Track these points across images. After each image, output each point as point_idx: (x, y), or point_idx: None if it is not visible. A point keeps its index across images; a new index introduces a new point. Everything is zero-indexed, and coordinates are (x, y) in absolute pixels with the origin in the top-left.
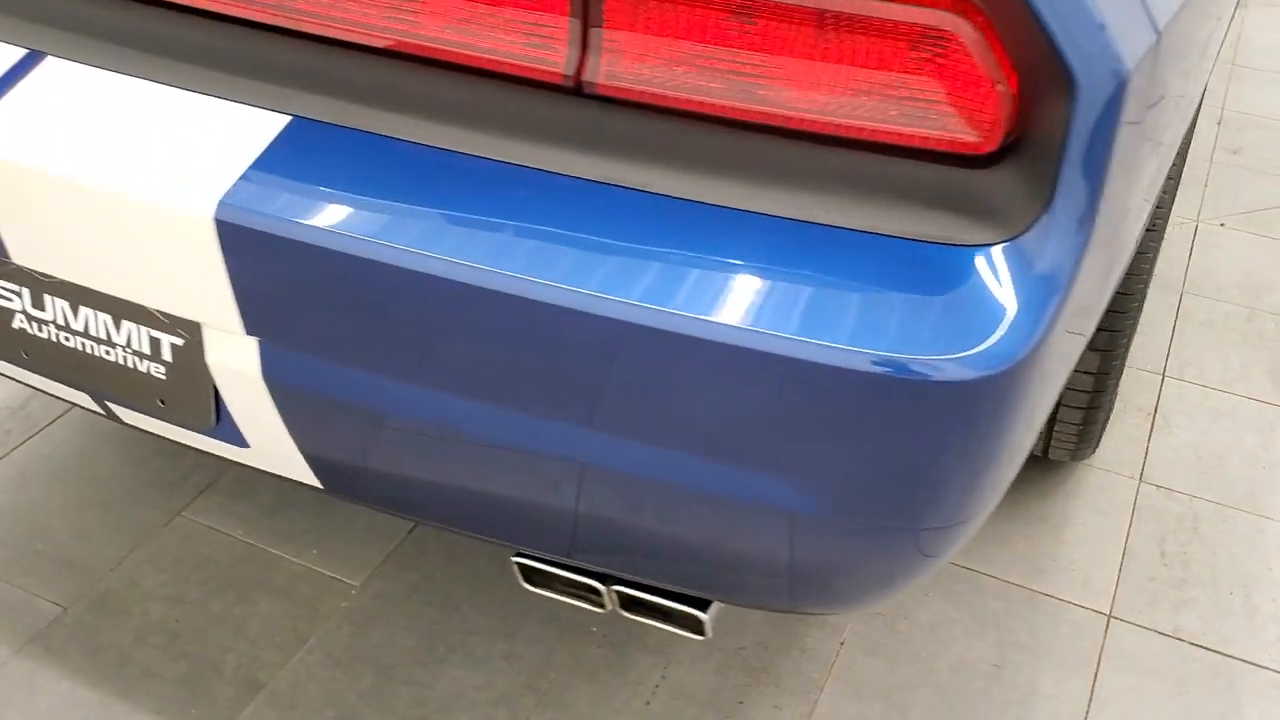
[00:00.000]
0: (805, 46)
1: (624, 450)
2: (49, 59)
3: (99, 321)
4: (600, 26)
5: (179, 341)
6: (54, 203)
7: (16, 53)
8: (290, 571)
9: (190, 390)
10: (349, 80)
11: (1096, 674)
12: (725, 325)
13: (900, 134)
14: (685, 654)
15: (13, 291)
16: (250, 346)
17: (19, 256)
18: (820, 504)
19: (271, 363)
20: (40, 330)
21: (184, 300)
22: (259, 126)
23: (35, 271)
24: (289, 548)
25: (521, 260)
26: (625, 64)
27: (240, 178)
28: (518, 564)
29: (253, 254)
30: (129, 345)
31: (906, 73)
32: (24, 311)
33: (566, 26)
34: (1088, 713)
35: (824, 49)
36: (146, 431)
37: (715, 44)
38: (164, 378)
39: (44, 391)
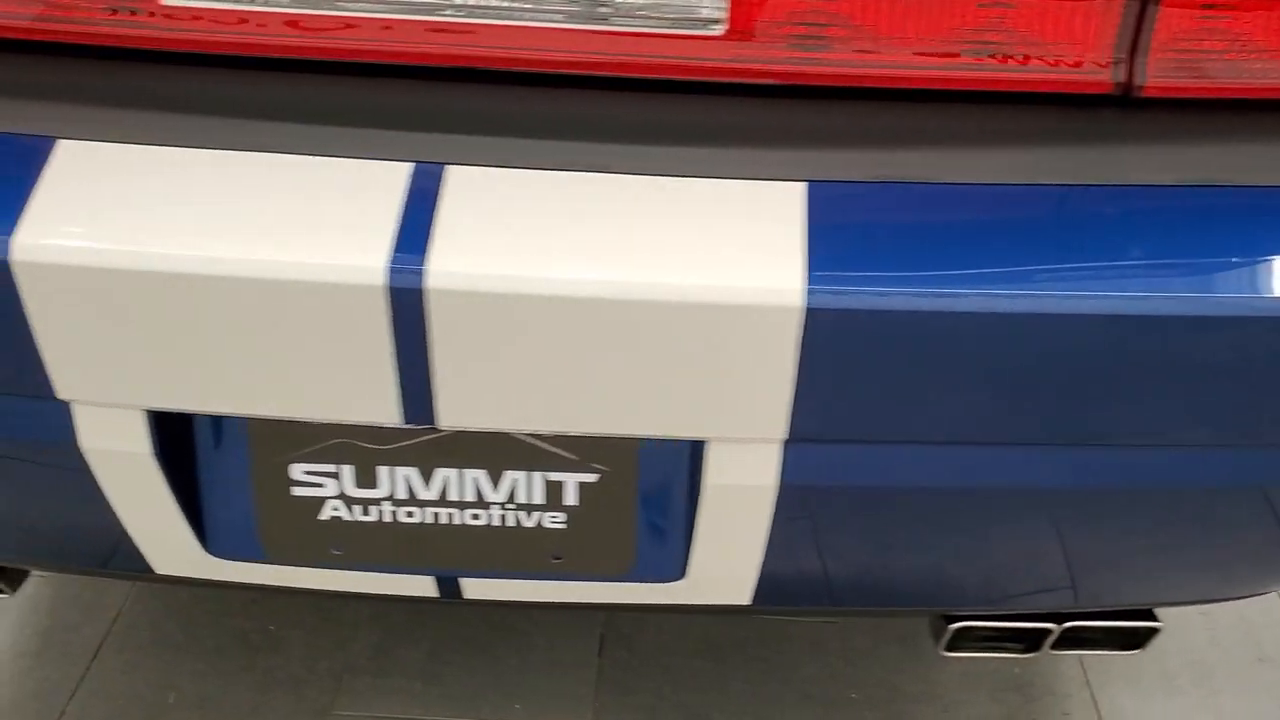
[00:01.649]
0: None
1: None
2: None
3: (464, 482)
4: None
5: (591, 479)
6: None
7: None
8: None
9: (603, 533)
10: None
11: None
12: None
13: None
14: (952, 694)
15: (327, 475)
16: (772, 453)
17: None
18: None
19: (798, 464)
20: (366, 514)
21: (690, 416)
22: (781, 196)
23: (366, 435)
24: (482, 710)
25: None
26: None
27: (808, 254)
28: (956, 629)
29: (835, 340)
30: (511, 501)
31: None
32: (342, 496)
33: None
34: None
35: None
36: (476, 602)
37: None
38: (563, 527)
39: (332, 592)
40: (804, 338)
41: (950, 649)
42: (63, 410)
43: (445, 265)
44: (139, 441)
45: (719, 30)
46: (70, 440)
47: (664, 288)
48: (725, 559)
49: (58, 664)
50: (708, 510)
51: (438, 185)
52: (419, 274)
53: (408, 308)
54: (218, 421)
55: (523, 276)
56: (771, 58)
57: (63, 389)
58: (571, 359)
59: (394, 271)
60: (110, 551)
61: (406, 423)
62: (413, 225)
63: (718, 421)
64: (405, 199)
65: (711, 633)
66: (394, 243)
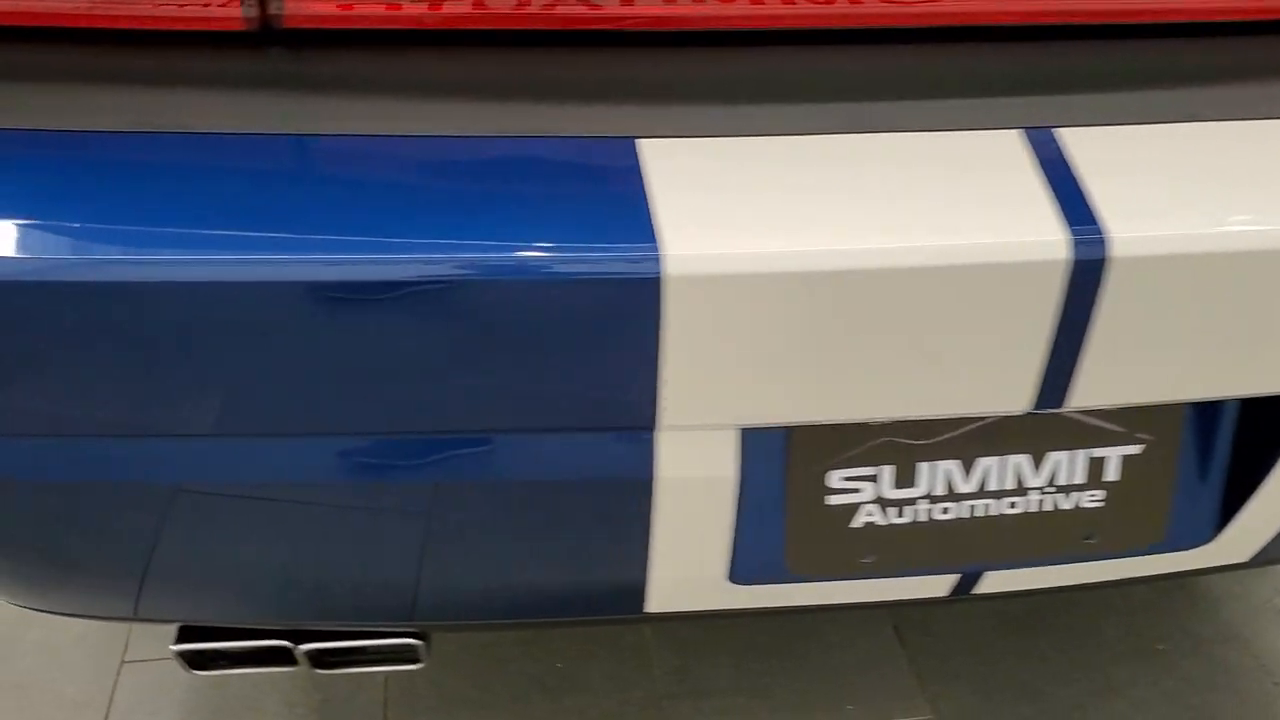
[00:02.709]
0: None
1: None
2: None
3: (1005, 470)
4: None
5: (1135, 451)
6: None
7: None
8: None
9: (1140, 506)
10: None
11: None
12: None
13: None
14: (1246, 630)
15: (865, 479)
16: None
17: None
18: None
19: None
20: (900, 515)
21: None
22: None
23: (909, 431)
24: (816, 715)
25: None
26: None
27: None
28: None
29: None
30: (1050, 484)
31: None
32: (878, 499)
33: None
34: None
35: None
36: (987, 596)
37: None
38: (1100, 505)
39: (838, 606)
40: None
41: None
42: (646, 441)
43: (1123, 231)
44: (726, 465)
45: None
46: (643, 473)
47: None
48: (1266, 518)
49: None
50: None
51: (1061, 151)
52: (1101, 244)
53: (1083, 283)
54: (759, 435)
55: (1203, 234)
56: None
57: (668, 416)
58: (1235, 319)
59: (1077, 244)
60: (596, 595)
61: (1035, 409)
62: (1066, 195)
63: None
64: (1037, 168)
65: (996, 610)
66: (1060, 214)
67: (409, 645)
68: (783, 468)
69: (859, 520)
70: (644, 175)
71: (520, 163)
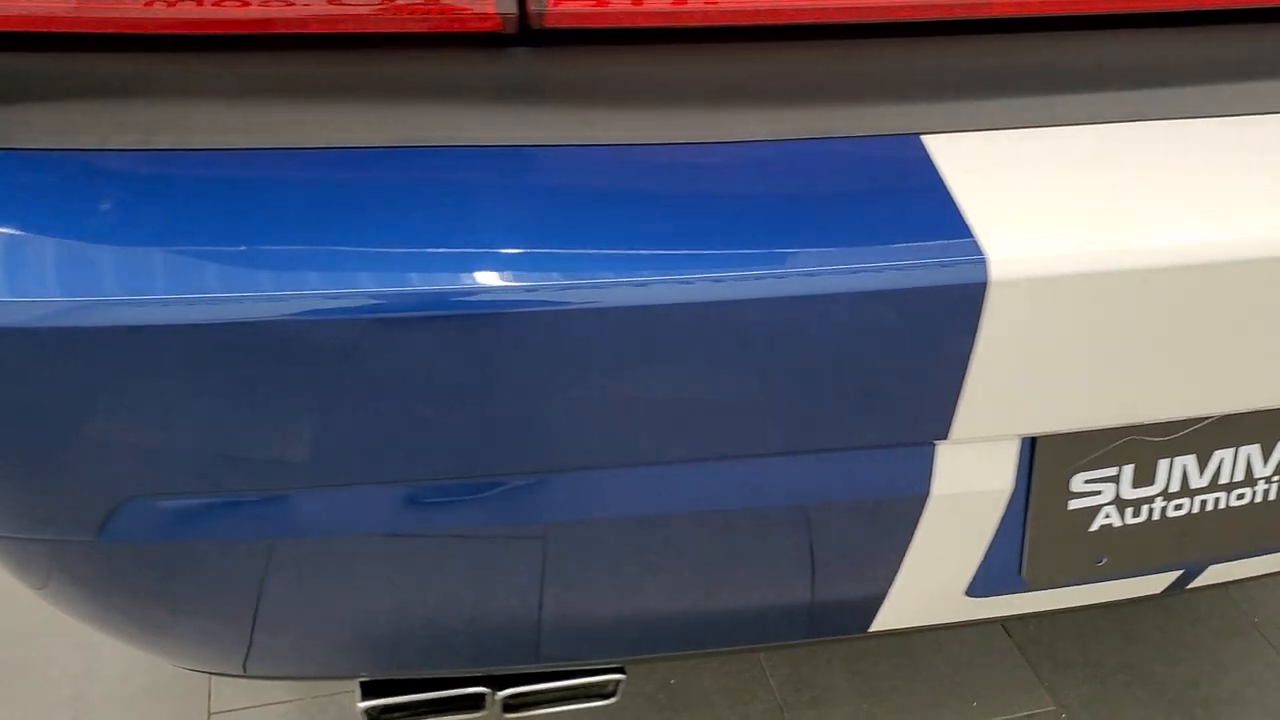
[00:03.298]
0: None
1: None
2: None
3: (1237, 461)
4: None
5: None
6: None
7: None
8: None
9: None
10: None
11: None
12: None
13: None
14: None
15: (1107, 480)
16: None
17: (1139, 413)
18: None
19: None
20: (1135, 515)
21: None
22: None
23: (1153, 428)
24: (945, 715)
25: None
26: None
27: None
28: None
29: None
30: (1278, 473)
31: None
32: (1116, 500)
33: None
34: None
35: None
36: (1200, 589)
37: None
38: None
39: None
40: None
41: None
42: (927, 455)
43: None
44: (1004, 477)
45: None
46: (920, 488)
47: None
48: None
49: None
50: None
51: None
52: None
53: None
54: (1029, 444)
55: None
56: None
57: (959, 429)
58: None
59: None
60: (823, 616)
61: None
62: None
63: None
64: None
65: None
66: None
67: (609, 681)
68: (1029, 475)
69: (1097, 523)
70: (941, 175)
71: (809, 167)
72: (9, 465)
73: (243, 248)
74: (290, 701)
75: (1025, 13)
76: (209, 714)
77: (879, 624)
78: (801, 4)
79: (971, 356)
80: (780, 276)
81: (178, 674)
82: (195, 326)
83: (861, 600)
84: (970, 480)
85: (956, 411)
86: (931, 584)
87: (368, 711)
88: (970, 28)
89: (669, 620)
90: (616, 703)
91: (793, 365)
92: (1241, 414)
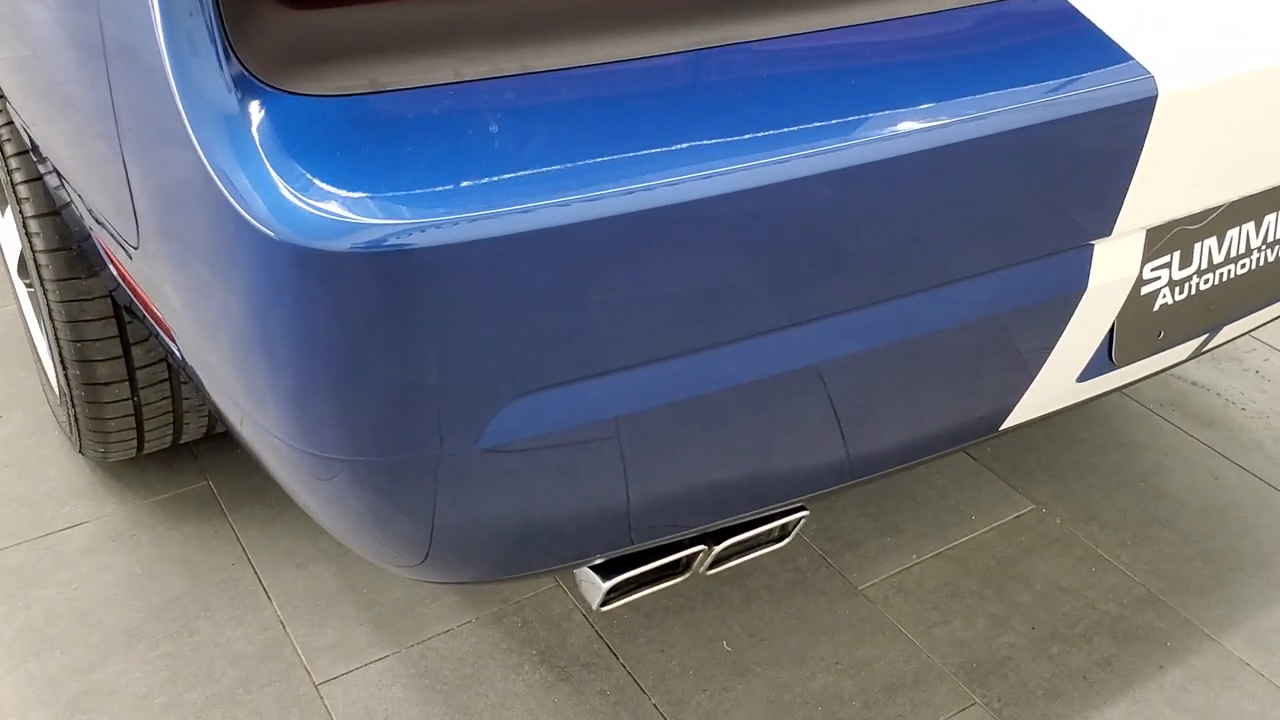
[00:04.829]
0: None
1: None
2: None
3: (1261, 229)
4: None
5: None
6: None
7: None
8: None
9: None
10: None
11: None
12: None
13: None
14: None
15: (1164, 265)
16: None
17: (1171, 210)
18: None
19: None
20: (1179, 293)
21: None
22: None
23: (1187, 220)
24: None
25: None
26: None
27: None
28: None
29: None
30: (1266, 242)
31: None
32: (1169, 283)
33: None
34: None
35: None
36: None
37: None
38: None
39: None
40: None
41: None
42: (1086, 256)
43: None
44: (1133, 265)
45: None
46: (1079, 285)
47: None
48: None
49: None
50: None
51: None
52: None
53: None
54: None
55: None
56: None
57: (1120, 225)
58: None
59: None
60: (968, 424)
61: None
62: None
63: None
64: None
65: None
66: None
67: (793, 521)
68: (1141, 262)
69: (1158, 303)
70: (1091, 21)
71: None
72: (405, 377)
73: (625, 150)
74: (386, 658)
75: None
76: (315, 685)
77: (1011, 421)
78: None
79: (1138, 165)
80: (988, 116)
81: (262, 659)
82: (624, 216)
83: (1006, 402)
84: (1115, 270)
85: (1120, 214)
86: (1059, 375)
87: (609, 590)
88: None
89: (866, 448)
90: (688, 579)
91: (1004, 192)
92: (1244, 199)
